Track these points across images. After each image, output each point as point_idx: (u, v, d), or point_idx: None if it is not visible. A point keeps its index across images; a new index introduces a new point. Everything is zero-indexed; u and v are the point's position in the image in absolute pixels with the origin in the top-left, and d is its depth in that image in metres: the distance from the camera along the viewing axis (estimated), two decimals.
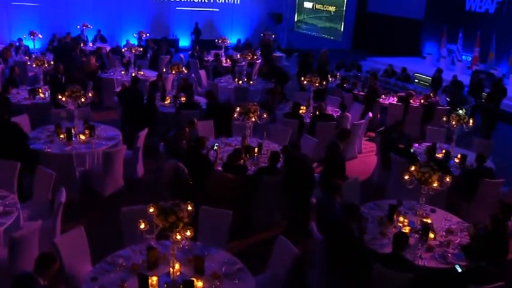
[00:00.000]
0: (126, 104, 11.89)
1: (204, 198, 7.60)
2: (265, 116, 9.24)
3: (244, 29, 25.66)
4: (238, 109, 9.03)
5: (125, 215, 6.49)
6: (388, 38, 25.10)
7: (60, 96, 9.36)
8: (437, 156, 9.44)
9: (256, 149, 9.14)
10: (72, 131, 9.50)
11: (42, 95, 12.24)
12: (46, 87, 12.58)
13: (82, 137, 9.45)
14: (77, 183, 8.75)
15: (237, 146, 9.22)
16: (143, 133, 9.60)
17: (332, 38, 27.27)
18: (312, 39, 27.33)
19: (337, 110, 12.78)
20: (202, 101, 12.38)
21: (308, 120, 11.47)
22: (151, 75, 15.36)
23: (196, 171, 8.02)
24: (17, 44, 18.65)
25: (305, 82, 12.29)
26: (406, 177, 6.76)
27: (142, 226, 4.99)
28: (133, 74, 15.05)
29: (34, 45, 18.10)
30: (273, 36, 21.91)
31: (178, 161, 8.01)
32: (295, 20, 28.17)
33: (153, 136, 10.49)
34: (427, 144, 10.45)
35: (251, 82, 15.01)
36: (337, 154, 8.58)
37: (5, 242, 6.31)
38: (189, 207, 5.06)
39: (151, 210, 5.02)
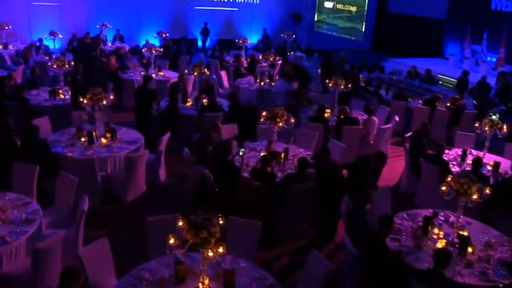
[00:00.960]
0: (140, 103, 11.74)
1: (231, 207, 7.37)
2: (292, 121, 8.96)
3: (263, 29, 25.32)
4: (264, 113, 8.74)
5: (150, 224, 6.26)
6: (409, 39, 24.64)
7: (81, 99, 9.16)
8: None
9: (282, 155, 8.88)
10: (94, 133, 9.33)
11: (62, 96, 12.08)
12: (66, 88, 12.43)
13: (103, 140, 9.26)
14: (99, 188, 8.55)
15: (263, 152, 8.95)
16: (165, 137, 9.37)
17: (353, 38, 26.87)
18: (332, 39, 26.93)
19: (362, 113, 12.49)
20: (223, 102, 12.15)
21: (332, 124, 11.18)
22: (172, 76, 15.16)
23: (222, 178, 7.77)
24: (38, 44, 18.59)
25: (330, 85, 11.98)
26: (443, 188, 6.44)
27: (171, 241, 4.74)
28: (152, 75, 14.89)
29: (54, 45, 18.03)
30: (294, 36, 21.61)
31: (204, 168, 7.77)
32: (315, 19, 27.80)
33: (175, 139, 10.29)
34: (457, 150, 10.12)
35: (273, 83, 14.73)
36: (369, 162, 8.26)
37: (27, 251, 6.13)
38: (221, 221, 4.79)
39: (180, 223, 4.77)
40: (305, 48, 25.31)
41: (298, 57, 20.82)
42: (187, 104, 12.04)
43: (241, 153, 8.34)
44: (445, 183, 6.45)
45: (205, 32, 23.84)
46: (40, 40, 18.62)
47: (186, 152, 8.79)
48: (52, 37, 17.58)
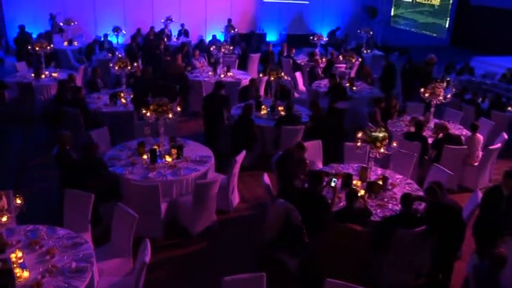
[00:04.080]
0: (209, 114, 10.43)
1: (321, 254, 5.97)
2: (395, 145, 7.33)
3: (335, 23, 23.58)
4: (360, 135, 7.17)
5: (227, 286, 4.89)
6: (494, 34, 22.25)
7: (144, 111, 7.92)
8: None
9: (380, 182, 7.33)
10: (157, 150, 8.10)
11: (124, 100, 10.94)
12: (129, 90, 11.29)
13: (168, 158, 8.00)
14: (161, 218, 7.28)
15: (356, 179, 7.43)
16: (240, 157, 7.98)
17: (434, 34, 24.65)
18: (408, 35, 24.81)
19: (460, 126, 10.71)
20: (301, 110, 10.72)
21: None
22: (242, 76, 13.81)
23: (312, 217, 6.30)
24: (102, 39, 17.77)
25: (426, 95, 10.25)
26: None
27: None
28: (220, 75, 13.60)
29: (117, 41, 17.14)
30: (371, 32, 19.74)
31: (289, 203, 6.32)
32: (392, 14, 25.73)
33: (249, 154, 8.94)
34: None
35: (354, 88, 13.08)
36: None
37: None
38: None
39: None
40: (380, 45, 23.35)
41: (376, 57, 18.93)
42: (262, 113, 10.62)
43: (333, 183, 6.84)
44: None
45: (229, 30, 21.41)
46: (105, 36, 17.78)
47: (266, 181, 7.35)
48: (115, 33, 16.69)
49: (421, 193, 7.30)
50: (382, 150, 6.87)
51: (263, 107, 10.76)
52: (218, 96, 10.44)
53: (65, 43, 17.63)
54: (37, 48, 13.15)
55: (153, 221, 7.17)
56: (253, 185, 9.03)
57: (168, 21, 19.61)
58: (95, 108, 10.59)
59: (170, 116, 7.81)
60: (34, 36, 17.16)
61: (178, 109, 8.23)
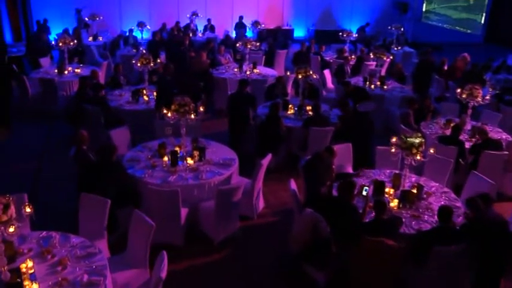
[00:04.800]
0: (234, 114, 10.02)
1: (350, 269, 5.52)
2: (432, 151, 6.78)
3: (364, 19, 22.90)
4: (394, 140, 6.65)
5: None
6: None
7: (165, 111, 7.56)
8: None
9: (415, 191, 6.82)
10: (178, 150, 7.73)
11: (146, 98, 10.61)
12: (152, 87, 10.94)
13: (190, 161, 7.61)
14: (181, 224, 6.90)
15: (389, 187, 6.93)
16: (266, 160, 7.54)
17: (468, 31, 23.77)
18: (439, 31, 23.95)
19: (498, 129, 10.09)
20: (326, 108, 10.27)
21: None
22: (269, 73, 13.36)
23: (341, 228, 5.85)
24: (127, 34, 17.53)
25: (463, 96, 9.67)
26: None
27: None
28: (246, 72, 13.19)
29: (142, 36, 16.87)
30: (402, 29, 19.03)
31: (317, 213, 5.87)
32: (423, 9, 24.90)
33: (275, 156, 8.53)
34: None
35: (385, 87, 12.51)
36: None
37: None
38: None
39: None
40: (410, 41, 22.60)
41: (407, 54, 18.24)
42: (289, 113, 10.16)
43: (364, 192, 6.37)
44: None
45: (240, 27, 20.38)
46: (130, 31, 17.56)
47: (292, 188, 6.90)
48: (140, 28, 16.42)
49: (458, 203, 6.79)
50: (418, 157, 6.35)
51: (290, 106, 10.30)
52: (243, 94, 10.02)
53: (90, 38, 17.46)
54: (60, 44, 12.91)
55: (172, 227, 6.80)
56: (279, 189, 8.58)
57: (194, 16, 19.31)
58: (116, 105, 10.29)
59: (192, 116, 7.41)
60: (57, 31, 16.98)
61: (201, 109, 7.81)
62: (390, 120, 11.55)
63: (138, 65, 10.59)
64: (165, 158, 7.67)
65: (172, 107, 7.40)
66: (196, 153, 7.74)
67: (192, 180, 7.15)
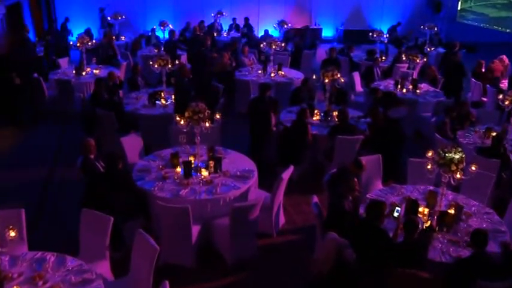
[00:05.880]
0: (255, 120, 9.38)
1: None
2: (473, 168, 6.01)
3: (396, 18, 21.98)
4: (430, 154, 5.91)
5: None
6: None
7: (177, 118, 6.96)
8: None
9: (452, 211, 6.07)
10: (192, 160, 7.15)
11: (163, 102, 10.06)
12: (169, 89, 10.37)
13: (204, 172, 7.01)
14: (193, 243, 6.29)
15: (422, 206, 6.20)
16: (287, 174, 6.87)
17: (508, 30, 22.60)
18: (475, 31, 22.84)
19: None
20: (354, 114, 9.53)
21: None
22: (295, 76, 12.68)
23: (370, 256, 5.15)
24: (149, 33, 17.07)
25: (506, 103, 8.85)
26: None
27: None
28: (271, 74, 12.54)
29: (164, 36, 16.40)
30: (435, 28, 18.08)
31: (341, 239, 5.18)
32: (458, 8, 23.83)
33: (298, 166, 7.88)
34: None
35: (418, 91, 11.69)
36: None
37: None
38: None
39: None
40: (444, 42, 21.59)
41: (441, 55, 17.27)
42: (314, 119, 9.46)
43: (396, 214, 5.66)
44: None
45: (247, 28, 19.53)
46: (152, 30, 17.11)
47: (315, 206, 6.21)
48: (162, 28, 15.93)
49: (503, 228, 6.01)
50: (458, 175, 5.59)
51: (316, 111, 9.62)
52: (265, 99, 9.37)
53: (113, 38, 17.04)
54: (78, 44, 12.49)
55: (182, 246, 6.21)
56: (302, 203, 7.90)
57: (219, 15, 18.75)
58: (132, 109, 9.76)
59: (207, 125, 6.80)
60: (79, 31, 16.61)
61: (218, 116, 7.19)
62: (422, 127, 10.77)
63: (156, 66, 10.04)
64: (178, 169, 7.08)
65: (186, 113, 6.79)
66: (211, 163, 7.13)
67: (205, 194, 6.52)
